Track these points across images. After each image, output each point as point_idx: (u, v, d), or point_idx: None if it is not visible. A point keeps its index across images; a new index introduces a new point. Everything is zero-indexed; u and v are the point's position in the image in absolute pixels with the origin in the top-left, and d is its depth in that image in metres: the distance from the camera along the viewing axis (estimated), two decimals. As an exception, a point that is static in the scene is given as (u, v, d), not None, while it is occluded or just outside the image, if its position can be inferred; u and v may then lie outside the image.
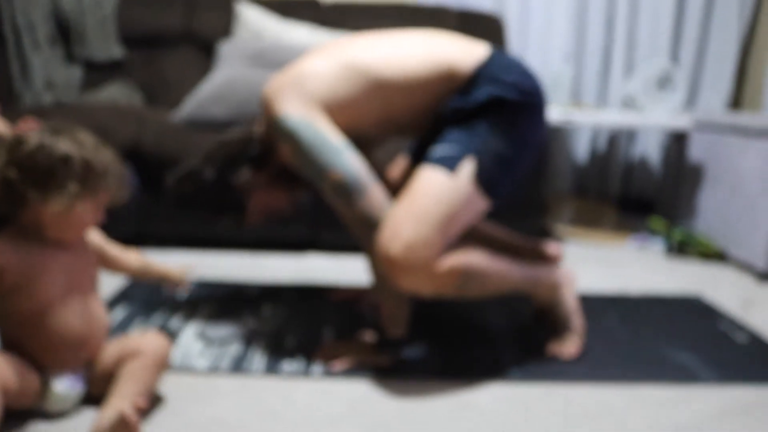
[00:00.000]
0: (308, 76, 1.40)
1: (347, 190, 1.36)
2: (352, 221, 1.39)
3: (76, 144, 1.15)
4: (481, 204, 1.40)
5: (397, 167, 1.71)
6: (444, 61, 1.43)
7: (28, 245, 1.17)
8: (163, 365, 1.25)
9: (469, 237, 1.61)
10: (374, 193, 1.37)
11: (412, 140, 1.66)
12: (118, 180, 1.22)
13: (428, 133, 1.50)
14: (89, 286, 1.26)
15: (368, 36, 1.50)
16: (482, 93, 1.40)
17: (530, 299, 1.62)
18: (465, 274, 1.36)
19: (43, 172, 1.12)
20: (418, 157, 1.59)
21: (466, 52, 1.45)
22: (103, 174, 1.18)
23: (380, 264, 1.35)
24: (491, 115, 1.40)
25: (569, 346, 1.56)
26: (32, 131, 1.15)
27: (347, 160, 1.36)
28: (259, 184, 1.56)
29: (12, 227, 1.17)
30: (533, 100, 1.43)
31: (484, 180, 1.37)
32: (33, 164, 1.12)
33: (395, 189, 1.62)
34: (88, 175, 1.15)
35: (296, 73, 1.41)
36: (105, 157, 1.19)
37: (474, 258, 1.39)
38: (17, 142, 1.13)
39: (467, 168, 1.36)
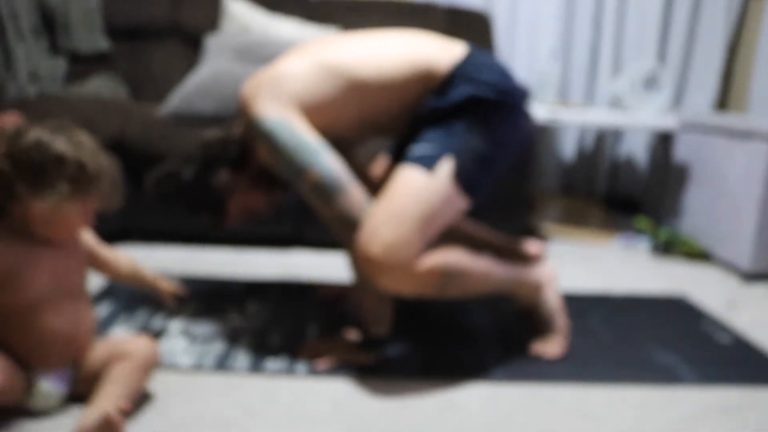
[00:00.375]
0: (285, 76, 1.39)
1: (326, 190, 1.35)
2: (331, 221, 1.39)
3: (73, 145, 1.15)
4: (460, 203, 1.40)
5: (378, 166, 1.71)
6: (421, 62, 1.42)
7: (15, 241, 1.16)
8: (150, 369, 1.25)
9: (450, 236, 1.61)
10: (353, 192, 1.36)
11: (392, 140, 1.66)
12: (112, 185, 1.21)
13: (407, 133, 1.50)
14: (78, 286, 1.25)
15: (346, 36, 1.50)
16: (459, 93, 1.40)
17: (512, 299, 1.62)
18: (445, 274, 1.36)
19: (35, 169, 1.12)
20: (398, 156, 1.58)
21: (443, 52, 1.45)
22: (96, 178, 1.16)
23: (360, 264, 1.35)
24: (469, 114, 1.40)
25: (553, 346, 1.56)
26: (32, 126, 1.14)
27: (325, 160, 1.35)
28: (238, 185, 1.55)
29: (1, 222, 1.16)
30: (511, 100, 1.43)
31: (463, 179, 1.37)
32: (27, 159, 1.11)
33: (377, 188, 1.62)
34: (80, 177, 1.14)
35: (273, 74, 1.40)
36: (101, 161, 1.18)
37: (454, 257, 1.39)
38: (16, 135, 1.12)
39: (446, 167, 1.36)
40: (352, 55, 1.42)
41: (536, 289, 1.58)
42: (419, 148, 1.39)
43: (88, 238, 1.33)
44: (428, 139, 1.40)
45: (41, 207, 1.13)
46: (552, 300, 1.59)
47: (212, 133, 1.58)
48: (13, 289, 1.15)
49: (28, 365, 1.18)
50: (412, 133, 1.47)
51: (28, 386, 1.18)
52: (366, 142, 1.67)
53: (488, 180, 1.44)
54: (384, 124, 1.49)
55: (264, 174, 1.56)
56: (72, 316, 1.21)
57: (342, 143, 1.55)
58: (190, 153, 1.55)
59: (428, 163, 1.36)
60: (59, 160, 1.12)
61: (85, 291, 1.27)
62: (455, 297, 1.43)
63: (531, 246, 1.69)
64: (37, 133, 1.13)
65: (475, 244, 1.68)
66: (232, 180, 1.55)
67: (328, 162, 1.35)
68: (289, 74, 1.39)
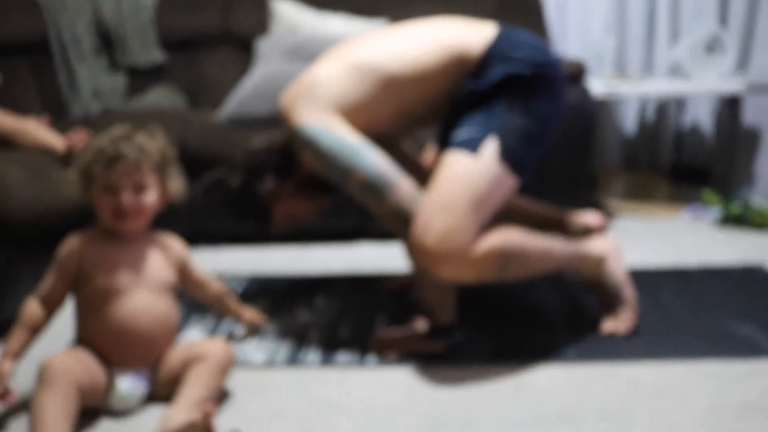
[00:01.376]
0: (319, 82, 1.41)
1: (374, 188, 1.36)
2: (385, 217, 1.40)
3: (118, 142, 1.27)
4: (509, 182, 1.39)
5: (428, 155, 1.71)
6: (452, 47, 1.42)
7: (103, 240, 1.28)
8: (227, 370, 1.29)
9: (506, 214, 1.58)
10: (402, 186, 1.37)
11: (436, 128, 1.65)
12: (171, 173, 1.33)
13: (450, 119, 1.49)
14: (160, 286, 1.31)
15: (373, 34, 1.51)
16: (495, 73, 1.39)
17: (577, 275, 1.58)
18: (504, 256, 1.35)
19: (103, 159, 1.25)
20: (444, 143, 1.57)
21: (473, 35, 1.44)
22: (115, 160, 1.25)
23: (417, 257, 1.35)
24: (507, 93, 1.39)
25: (623, 321, 1.52)
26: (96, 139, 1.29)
27: (369, 158, 1.36)
28: (283, 192, 1.59)
29: (97, 226, 1.30)
30: (547, 72, 1.42)
31: (509, 157, 1.36)
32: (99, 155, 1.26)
33: (429, 177, 1.62)
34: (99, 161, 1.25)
35: (307, 82, 1.42)
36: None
37: (510, 237, 1.37)
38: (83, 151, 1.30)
39: (490, 147, 1.35)
40: (383, 52, 1.43)
41: (599, 262, 1.54)
42: (462, 133, 1.39)
43: (185, 253, 1.41)
44: (469, 122, 1.40)
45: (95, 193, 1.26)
46: (617, 272, 1.55)
47: (258, 142, 1.62)
48: (97, 282, 1.25)
49: (109, 363, 1.24)
50: (454, 119, 1.46)
51: (109, 386, 1.23)
52: (412, 134, 1.67)
53: (535, 155, 1.42)
54: (424, 114, 1.50)
55: (309, 181, 1.60)
56: (151, 312, 1.28)
57: (386, 138, 1.56)
58: (237, 161, 1.60)
59: (472, 146, 1.36)
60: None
61: (169, 293, 1.33)
62: (516, 278, 1.41)
63: (591, 217, 1.65)
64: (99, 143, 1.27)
65: (533, 221, 1.65)
66: (278, 187, 1.58)
67: (373, 160, 1.36)
68: (322, 80, 1.41)
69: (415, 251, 1.35)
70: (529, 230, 1.44)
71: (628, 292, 1.55)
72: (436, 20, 1.51)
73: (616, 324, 1.52)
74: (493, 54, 1.41)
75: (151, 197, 1.28)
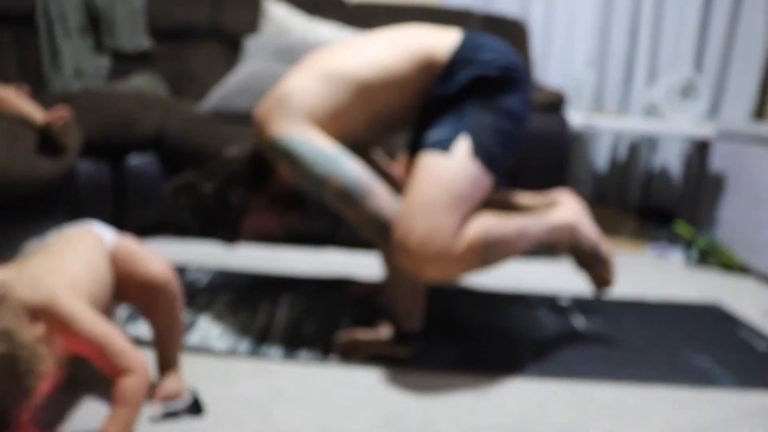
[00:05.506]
0: (292, 94, 1.42)
1: (351, 196, 1.37)
2: (362, 225, 1.40)
3: None
4: (485, 179, 1.40)
5: (399, 164, 1.73)
6: (420, 52, 1.46)
7: None
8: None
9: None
10: (379, 193, 1.38)
11: (407, 134, 1.67)
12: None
13: (420, 125, 1.52)
14: None
15: (342, 44, 1.53)
16: (463, 76, 1.43)
17: (555, 246, 1.60)
18: (484, 245, 1.35)
19: None
20: (415, 149, 1.60)
21: (439, 40, 1.48)
22: None
23: (401, 261, 1.35)
24: (476, 95, 1.43)
25: (608, 274, 1.61)
26: None
27: (345, 166, 1.37)
28: (254, 205, 1.59)
29: None
30: (513, 74, 1.45)
31: (483, 154, 1.38)
32: None
33: (400, 187, 1.65)
34: None
35: (280, 94, 1.43)
36: None
37: (488, 224, 1.37)
38: None
39: (463, 146, 1.38)
40: (352, 59, 1.46)
41: (571, 228, 1.57)
42: (433, 134, 1.42)
43: None
44: (441, 124, 1.43)
45: None
46: (589, 233, 1.59)
47: (234, 152, 1.62)
48: None
49: None
50: (425, 123, 1.49)
51: None
52: (384, 142, 1.69)
53: (507, 153, 1.45)
54: (395, 119, 1.52)
55: (280, 197, 1.61)
56: None
57: (360, 146, 1.57)
58: (211, 168, 1.59)
59: (444, 145, 1.38)
60: None
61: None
62: (500, 263, 1.42)
63: (560, 196, 1.67)
64: None
65: (502, 208, 1.67)
66: (249, 200, 1.58)
67: (349, 167, 1.37)
68: (295, 90, 1.42)
69: (398, 256, 1.35)
70: (499, 213, 1.46)
71: (604, 246, 1.61)
72: (404, 28, 1.54)
73: (603, 280, 1.61)
74: (459, 58, 1.45)
75: None
